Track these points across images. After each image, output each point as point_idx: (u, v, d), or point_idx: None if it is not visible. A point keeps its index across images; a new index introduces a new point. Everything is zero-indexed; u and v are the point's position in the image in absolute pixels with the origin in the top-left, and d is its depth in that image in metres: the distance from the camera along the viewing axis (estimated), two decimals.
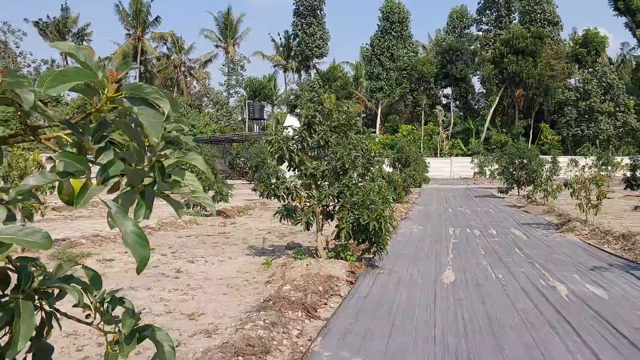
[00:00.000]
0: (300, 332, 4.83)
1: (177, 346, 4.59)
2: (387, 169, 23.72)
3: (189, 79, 67.84)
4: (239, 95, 66.04)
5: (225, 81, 65.80)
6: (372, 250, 7.94)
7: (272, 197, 8.31)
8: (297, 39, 63.11)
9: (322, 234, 8.22)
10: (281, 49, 66.67)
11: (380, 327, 5.09)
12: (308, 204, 7.99)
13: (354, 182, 7.73)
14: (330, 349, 4.41)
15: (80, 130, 1.10)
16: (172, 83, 65.42)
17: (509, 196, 23.78)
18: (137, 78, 60.98)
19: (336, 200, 7.93)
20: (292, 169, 8.28)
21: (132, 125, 1.17)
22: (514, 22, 58.86)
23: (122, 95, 1.08)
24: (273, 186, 8.10)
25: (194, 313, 5.67)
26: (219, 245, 10.59)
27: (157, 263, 8.55)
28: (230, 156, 38.25)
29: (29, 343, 1.18)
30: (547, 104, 53.01)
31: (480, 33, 62.93)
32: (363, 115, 60.01)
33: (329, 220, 8.33)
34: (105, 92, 1.07)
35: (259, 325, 4.55)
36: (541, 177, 20.34)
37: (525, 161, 21.93)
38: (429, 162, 34.77)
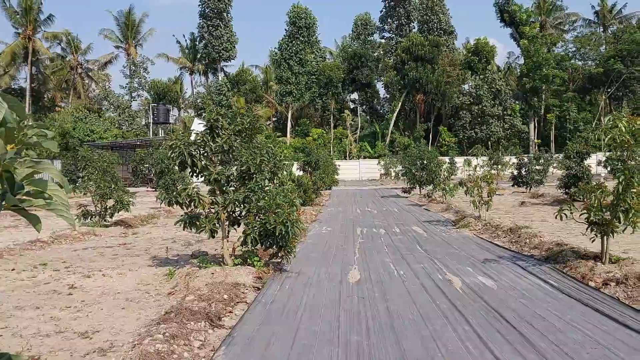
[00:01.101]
0: (202, 343, 4.69)
1: None
2: (298, 172, 23.93)
3: (87, 81, 63.66)
4: (143, 98, 63.16)
5: (127, 84, 62.60)
6: (279, 255, 7.94)
7: (175, 205, 8.02)
8: (204, 41, 61.76)
9: (228, 241, 8.06)
10: (187, 51, 64.83)
11: (286, 332, 5.09)
12: (213, 210, 7.80)
13: (260, 186, 7.68)
14: (233, 358, 4.33)
15: None
16: (68, 85, 61.02)
17: (411, 196, 25.02)
18: (29, 79, 56.06)
19: (242, 205, 7.82)
20: (194, 174, 8.04)
21: None
22: (413, 30, 62.19)
23: None
24: (175, 193, 7.81)
25: (87, 331, 5.28)
26: (119, 257, 10.01)
27: (49, 279, 7.89)
28: (134, 162, 36.37)
29: None
30: (445, 108, 56.67)
31: (383, 40, 65.80)
32: (274, 119, 60.15)
33: (236, 227, 8.21)
34: None
35: (157, 340, 4.35)
36: (440, 177, 21.65)
37: (425, 162, 23.19)
38: (338, 165, 35.62)
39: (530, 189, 24.07)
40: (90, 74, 63.39)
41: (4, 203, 1.19)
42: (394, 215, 16.83)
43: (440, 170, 22.50)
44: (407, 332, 5.05)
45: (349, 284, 7.20)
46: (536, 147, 50.07)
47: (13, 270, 8.61)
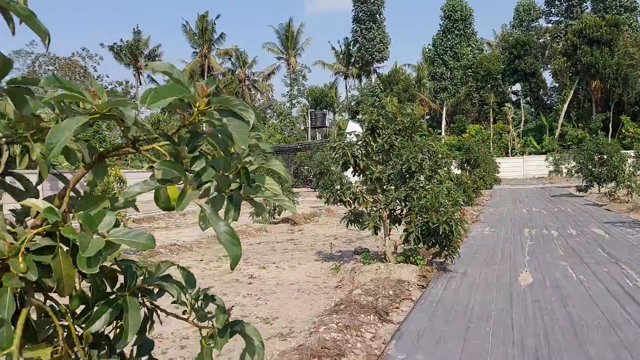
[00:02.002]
0: (373, 335, 4.85)
1: None
2: (456, 171, 23.16)
3: (253, 92, 69.87)
4: (301, 104, 67.13)
5: (287, 92, 67.17)
6: (443, 254, 7.80)
7: (338, 203, 8.38)
8: (357, 45, 63.26)
9: (390, 239, 8.18)
10: (341, 56, 67.08)
11: (455, 330, 4.99)
12: (375, 208, 7.99)
13: (421, 185, 7.65)
14: (404, 352, 4.40)
15: (176, 141, 1.22)
16: (238, 97, 67.64)
17: (588, 195, 22.42)
18: None
19: (403, 204, 7.87)
20: (356, 174, 8.32)
21: (219, 136, 1.28)
22: (586, 11, 55.64)
23: (212, 108, 1.18)
24: (339, 192, 8.18)
25: (268, 317, 5.84)
26: (289, 251, 10.82)
27: (231, 270, 8.88)
28: (295, 165, 38.97)
29: (134, 337, 1.31)
30: (627, 95, 49.50)
31: (550, 25, 60.00)
32: (427, 117, 59.02)
33: (397, 225, 8.28)
34: (197, 105, 1.18)
35: (332, 329, 4.62)
36: (624, 173, 19.04)
37: (605, 157, 20.61)
38: (499, 162, 33.55)
39: None
40: (255, 85, 69.47)
41: (241, 193, 1.39)
42: (569, 216, 15.28)
43: (624, 165, 19.77)
44: (593, 338, 4.58)
45: (520, 286, 6.77)
46: None
47: (201, 261, 9.88)
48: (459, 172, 23.29)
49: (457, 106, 58.23)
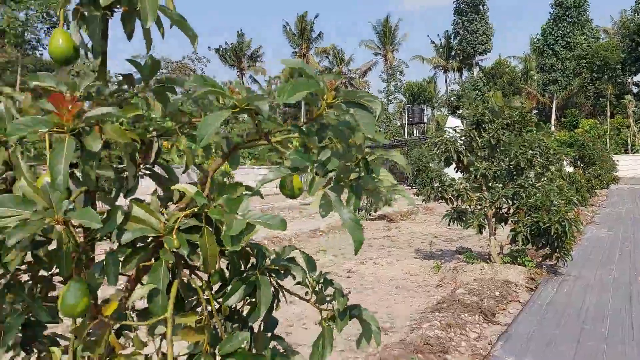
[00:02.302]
0: (478, 335, 4.71)
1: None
2: (568, 168, 21.55)
3: (349, 89, 70.31)
4: (398, 100, 66.31)
5: (384, 88, 66.72)
6: (554, 256, 7.33)
7: (439, 200, 8.20)
8: (458, 38, 61.12)
9: (495, 238, 7.85)
10: (441, 50, 65.23)
11: (567, 333, 4.70)
12: (479, 206, 7.71)
13: (530, 182, 7.24)
14: (512, 354, 4.22)
15: (305, 132, 1.31)
16: None
17: None
18: None
19: (511, 202, 7.50)
20: (459, 170, 8.08)
21: (340, 128, 1.35)
22: None
23: (339, 101, 1.25)
24: (440, 189, 8.00)
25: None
26: (386, 248, 10.80)
27: (330, 263, 9.07)
28: (390, 162, 38.60)
29: (265, 312, 1.42)
30: None
31: None
32: (535, 111, 55.41)
33: (503, 224, 7.92)
34: (325, 98, 1.26)
35: (435, 326, 4.56)
36: None
37: None
38: (617, 160, 30.63)
39: None
40: (352, 82, 69.90)
41: (360, 183, 1.44)
42: None
43: None
44: None
45: None
46: None
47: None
48: (571, 169, 21.64)
49: (568, 99, 54.00)
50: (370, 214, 15.80)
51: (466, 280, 6.66)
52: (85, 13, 1.29)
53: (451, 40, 63.39)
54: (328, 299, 1.61)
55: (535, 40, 56.84)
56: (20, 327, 1.40)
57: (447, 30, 64.23)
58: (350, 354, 4.32)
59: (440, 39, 65.90)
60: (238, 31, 67.80)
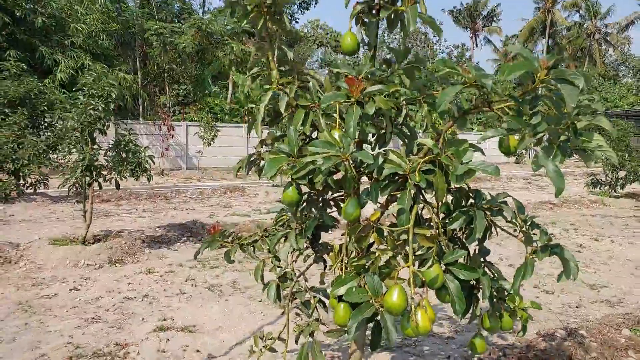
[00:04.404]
0: None
1: (576, 307, 4.84)
2: None
3: (604, 46, 60.86)
4: None
5: None
6: None
7: None
8: None
9: None
10: None
11: None
12: None
13: None
14: None
15: (520, 101, 1.69)
16: (583, 54, 60.29)
17: None
18: (544, 52, 59.14)
19: None
20: None
21: (553, 98, 1.68)
22: None
23: (550, 77, 1.59)
24: None
25: (595, 284, 5.68)
26: (630, 227, 9.70)
27: (558, 237, 8.68)
28: None
29: (480, 236, 1.88)
30: None
31: None
32: None
33: None
34: (538, 76, 1.61)
35: None
36: None
37: None
38: None
39: None
40: (608, 38, 60.16)
41: (569, 144, 1.76)
42: None
43: None
44: None
45: None
46: None
47: None
48: None
49: None
50: (615, 191, 14.07)
51: None
52: (366, 20, 1.90)
53: None
54: (535, 239, 1.98)
55: None
56: (314, 227, 2.17)
57: None
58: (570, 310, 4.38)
59: None
60: None
